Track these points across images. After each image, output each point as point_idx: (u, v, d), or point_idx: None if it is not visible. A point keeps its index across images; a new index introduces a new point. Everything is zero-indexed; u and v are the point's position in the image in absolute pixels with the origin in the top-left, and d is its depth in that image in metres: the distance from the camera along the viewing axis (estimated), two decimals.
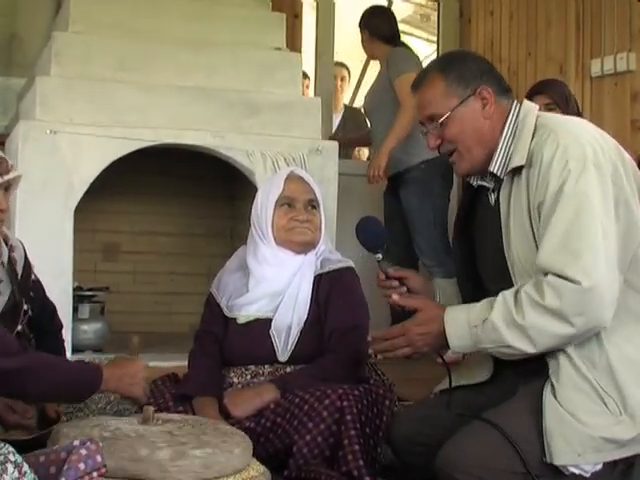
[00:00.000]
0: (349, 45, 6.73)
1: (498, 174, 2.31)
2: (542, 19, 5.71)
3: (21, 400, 2.56)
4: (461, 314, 2.24)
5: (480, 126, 2.33)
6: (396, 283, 2.52)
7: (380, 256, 2.53)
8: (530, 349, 2.14)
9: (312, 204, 3.02)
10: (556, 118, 2.37)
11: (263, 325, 2.91)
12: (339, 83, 6.43)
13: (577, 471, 2.12)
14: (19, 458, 1.68)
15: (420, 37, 7.22)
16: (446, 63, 2.40)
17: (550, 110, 4.01)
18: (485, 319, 2.17)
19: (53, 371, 2.24)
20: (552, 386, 2.17)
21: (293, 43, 5.75)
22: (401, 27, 6.23)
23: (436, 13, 6.76)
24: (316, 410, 2.56)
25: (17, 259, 2.78)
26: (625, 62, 4.98)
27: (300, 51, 5.66)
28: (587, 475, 2.12)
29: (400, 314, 2.52)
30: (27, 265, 2.83)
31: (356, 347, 2.87)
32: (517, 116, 2.33)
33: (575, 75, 5.33)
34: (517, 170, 2.26)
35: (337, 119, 6.36)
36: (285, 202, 2.99)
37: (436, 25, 6.74)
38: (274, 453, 2.63)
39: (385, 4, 6.51)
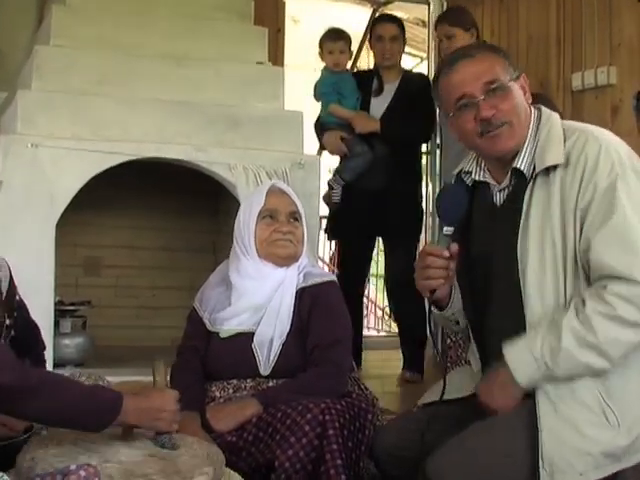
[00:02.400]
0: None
1: (524, 171, 2.29)
2: (523, 34, 5.74)
3: (21, 419, 2.35)
4: (524, 352, 2.18)
5: (525, 109, 2.33)
6: (453, 265, 2.31)
7: (452, 229, 2.30)
8: (607, 364, 2.12)
9: (294, 216, 3.01)
10: (578, 123, 2.36)
11: (245, 339, 2.90)
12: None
13: None
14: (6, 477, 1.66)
15: (406, 52, 7.26)
16: (492, 48, 2.44)
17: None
18: (556, 352, 2.13)
19: (59, 392, 2.03)
20: (549, 400, 2.16)
21: (275, 57, 5.76)
22: None
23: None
24: (298, 424, 2.55)
25: (1, 278, 2.76)
26: (606, 76, 5.01)
27: (282, 65, 5.67)
28: None
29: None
30: (12, 285, 2.81)
31: (338, 362, 2.86)
32: (540, 118, 2.34)
33: (556, 89, 5.36)
34: (547, 172, 2.23)
35: None
36: (267, 215, 2.98)
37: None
38: (256, 467, 2.62)
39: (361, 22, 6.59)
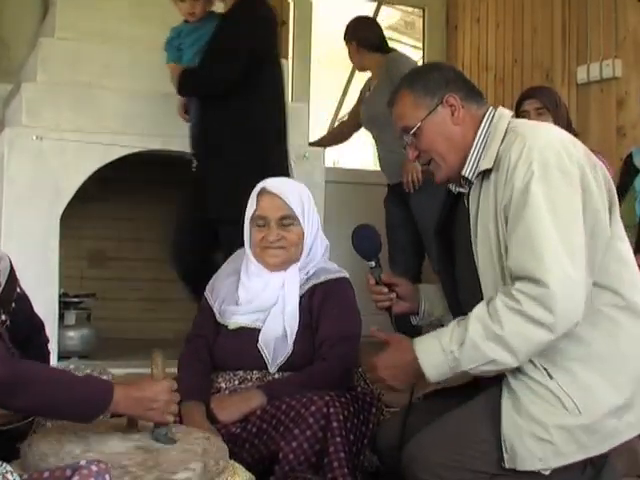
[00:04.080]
0: (330, 52, 6.74)
1: (469, 178, 2.34)
2: (528, 26, 5.73)
3: (12, 412, 2.36)
4: (433, 342, 2.22)
5: (451, 133, 2.37)
6: (385, 289, 2.55)
7: (373, 263, 2.57)
8: (513, 361, 2.14)
9: (284, 222, 2.96)
10: (527, 123, 2.40)
11: (252, 334, 2.89)
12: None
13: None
14: (17, 477, 1.66)
15: (407, 44, 7.22)
16: (412, 78, 2.45)
17: (540, 115, 4.04)
18: (462, 341, 2.16)
19: (48, 384, 2.03)
20: (509, 388, 2.20)
21: (280, 50, 5.74)
22: (388, 34, 6.24)
23: (421, 20, 6.78)
24: (302, 416, 2.55)
25: (1, 270, 2.76)
26: (611, 69, 5.01)
27: (286, 57, 5.67)
28: (546, 473, 2.15)
29: (402, 322, 2.55)
30: (12, 278, 2.81)
31: (346, 357, 2.86)
32: (491, 122, 2.36)
33: (561, 82, 5.36)
34: (486, 174, 2.30)
35: None
36: (258, 221, 2.97)
37: (421, 32, 6.77)
38: (260, 459, 2.62)
39: (368, 12, 6.51)
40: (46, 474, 1.77)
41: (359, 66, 5.29)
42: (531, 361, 2.18)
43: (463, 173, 2.35)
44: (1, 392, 1.97)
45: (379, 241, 2.63)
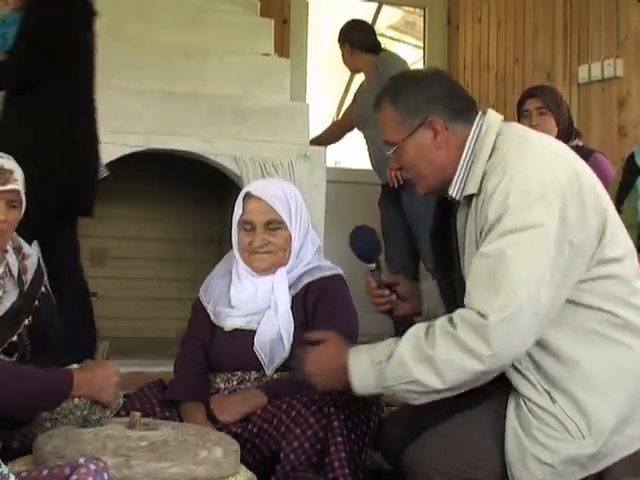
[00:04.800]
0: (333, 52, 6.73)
1: (457, 199, 2.27)
2: (530, 26, 5.73)
3: None
4: (366, 351, 2.19)
5: (433, 156, 2.29)
6: (387, 292, 2.53)
7: (374, 265, 2.54)
8: (438, 384, 2.08)
9: (271, 226, 2.94)
10: (514, 139, 2.26)
11: (249, 335, 2.89)
12: None
13: None
14: (5, 469, 1.66)
15: (408, 43, 7.21)
16: (396, 90, 2.35)
17: (541, 114, 4.04)
18: (390, 355, 2.12)
19: (12, 381, 2.13)
20: (516, 404, 2.18)
21: (282, 49, 5.76)
22: (389, 33, 6.25)
23: (422, 20, 6.77)
24: (303, 416, 2.56)
25: (28, 267, 2.75)
26: (612, 68, 5.01)
27: (288, 57, 5.66)
28: None
29: (406, 325, 2.54)
30: (38, 274, 2.80)
31: None
32: (477, 136, 2.27)
33: (562, 81, 5.35)
34: (472, 197, 2.22)
35: None
36: (244, 225, 2.96)
37: (422, 32, 6.76)
38: (261, 459, 2.62)
39: (370, 12, 6.51)
40: (45, 472, 1.78)
41: (352, 67, 5.30)
42: (533, 384, 2.15)
43: (450, 193, 2.27)
44: None
45: (379, 242, 2.61)
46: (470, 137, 2.27)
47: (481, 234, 2.14)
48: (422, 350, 2.08)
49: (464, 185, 2.24)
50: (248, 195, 2.97)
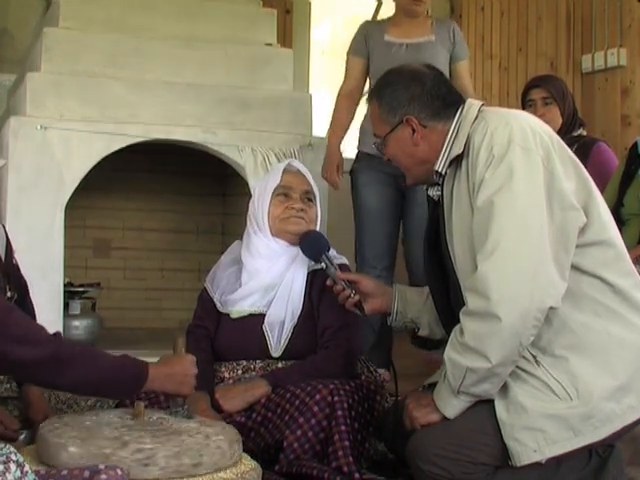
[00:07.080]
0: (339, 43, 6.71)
1: (442, 171, 2.37)
2: (533, 15, 5.72)
3: (56, 390, 2.59)
4: (440, 380, 2.29)
5: (412, 151, 2.43)
6: (340, 287, 2.68)
7: (324, 265, 2.76)
8: (485, 363, 2.13)
9: (308, 196, 3.02)
10: (497, 109, 2.40)
11: (256, 320, 2.90)
12: None
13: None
14: (21, 458, 1.67)
15: None
16: (382, 87, 2.49)
17: (547, 104, 4.03)
18: (445, 362, 2.22)
19: (88, 363, 2.11)
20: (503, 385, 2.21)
21: (284, 39, 5.75)
22: None
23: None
24: (307, 405, 2.56)
25: None
26: (616, 58, 5.01)
27: (291, 47, 5.65)
28: (542, 462, 2.15)
29: (419, 341, 2.61)
30: (9, 248, 2.80)
31: (349, 344, 2.87)
32: (459, 125, 2.36)
33: (566, 71, 5.35)
34: (457, 162, 2.31)
35: None
36: (281, 192, 3.00)
37: None
38: (265, 448, 2.63)
39: (365, 4, 6.48)
40: (64, 472, 1.78)
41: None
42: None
43: (436, 168, 2.38)
44: (47, 371, 2.05)
45: (324, 242, 2.86)
46: (451, 130, 2.37)
47: (472, 192, 2.22)
48: (457, 342, 2.19)
49: (449, 153, 2.35)
50: (288, 168, 3.06)
